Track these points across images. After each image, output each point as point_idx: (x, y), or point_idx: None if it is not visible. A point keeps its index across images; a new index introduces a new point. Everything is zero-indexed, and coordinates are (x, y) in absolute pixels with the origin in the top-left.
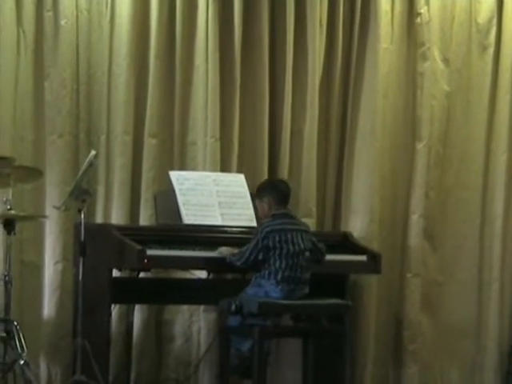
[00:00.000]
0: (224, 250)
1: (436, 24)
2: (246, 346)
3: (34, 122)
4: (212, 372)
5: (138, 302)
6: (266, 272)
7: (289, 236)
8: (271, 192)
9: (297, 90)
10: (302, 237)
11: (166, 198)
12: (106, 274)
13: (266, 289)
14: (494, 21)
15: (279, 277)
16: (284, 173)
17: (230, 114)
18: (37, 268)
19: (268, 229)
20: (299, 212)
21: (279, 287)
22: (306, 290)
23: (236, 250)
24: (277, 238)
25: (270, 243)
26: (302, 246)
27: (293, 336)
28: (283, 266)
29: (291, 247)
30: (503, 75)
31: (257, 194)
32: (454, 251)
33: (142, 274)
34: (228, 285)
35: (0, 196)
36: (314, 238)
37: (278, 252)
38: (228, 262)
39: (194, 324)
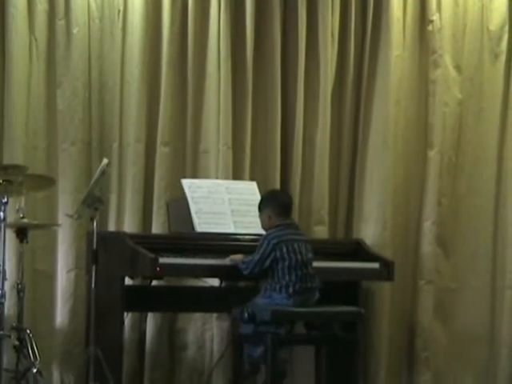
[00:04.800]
0: (236, 258)
1: (448, 31)
2: (257, 351)
3: (47, 130)
4: (225, 380)
5: (151, 310)
6: (277, 286)
7: (295, 246)
8: (271, 203)
9: (309, 98)
10: (306, 247)
11: (179, 206)
12: (119, 282)
13: (277, 301)
14: (506, 28)
15: (291, 290)
16: (296, 180)
17: (242, 122)
18: (49, 276)
19: (275, 241)
20: (311, 220)
21: (291, 300)
22: (317, 296)
23: (246, 258)
24: (284, 249)
25: (278, 254)
26: (309, 255)
27: (305, 344)
28: (293, 278)
29: (299, 257)
30: None
31: (258, 206)
32: (467, 258)
33: (154, 282)
34: (240, 293)
35: (13, 204)
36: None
37: (286, 263)
38: (239, 268)
39: (206, 332)
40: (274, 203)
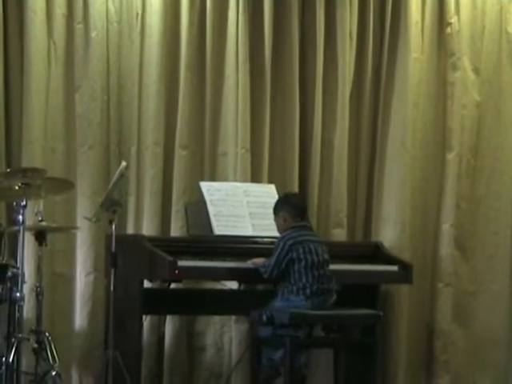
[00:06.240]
0: (257, 261)
1: (466, 34)
2: (277, 355)
3: (65, 133)
4: (244, 383)
5: (170, 313)
6: (295, 288)
7: (311, 247)
8: (285, 206)
9: (327, 100)
10: (322, 248)
11: (197, 209)
12: (138, 285)
13: (295, 304)
14: None
15: (308, 292)
16: (314, 183)
17: (260, 124)
18: (68, 279)
19: (291, 241)
20: (330, 222)
21: (309, 301)
22: (334, 297)
23: (266, 262)
24: (300, 250)
25: (295, 255)
26: (325, 256)
27: (324, 347)
28: (310, 279)
29: (315, 257)
30: None
31: (273, 209)
32: (486, 261)
33: (173, 285)
34: (259, 295)
35: (31, 207)
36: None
37: (303, 264)
38: (259, 271)
39: (225, 335)
40: (289, 206)
